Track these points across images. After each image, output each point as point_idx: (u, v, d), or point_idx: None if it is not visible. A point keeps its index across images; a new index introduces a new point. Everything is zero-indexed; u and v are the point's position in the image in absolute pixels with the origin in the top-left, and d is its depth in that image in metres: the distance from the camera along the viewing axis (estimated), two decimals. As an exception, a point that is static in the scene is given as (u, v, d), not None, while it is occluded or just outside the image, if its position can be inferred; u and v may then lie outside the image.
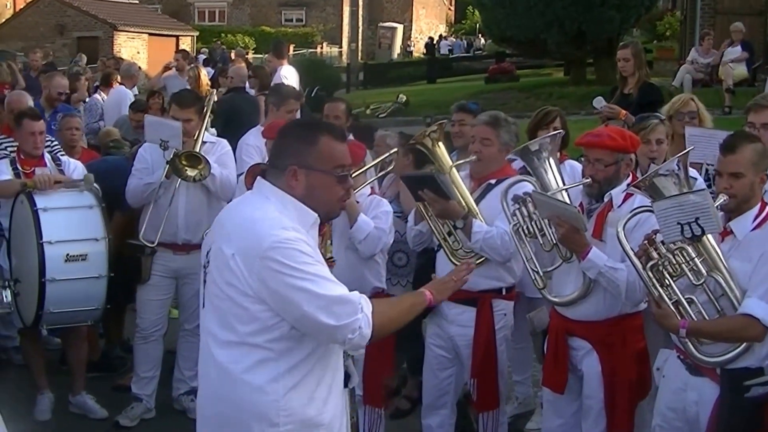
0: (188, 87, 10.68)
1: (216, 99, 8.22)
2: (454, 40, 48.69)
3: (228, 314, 3.12)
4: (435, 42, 49.58)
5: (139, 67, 12.49)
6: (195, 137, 6.00)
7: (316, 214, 3.21)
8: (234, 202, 3.59)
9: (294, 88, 7.81)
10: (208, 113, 6.33)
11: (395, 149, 5.84)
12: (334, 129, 3.29)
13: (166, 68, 13.48)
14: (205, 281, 3.28)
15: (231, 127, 8.12)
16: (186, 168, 5.89)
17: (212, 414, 3.25)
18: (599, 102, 7.34)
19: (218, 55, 24.91)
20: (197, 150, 5.94)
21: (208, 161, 5.91)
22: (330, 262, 3.40)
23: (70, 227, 5.77)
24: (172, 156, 5.85)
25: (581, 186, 4.65)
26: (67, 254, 5.70)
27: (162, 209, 5.99)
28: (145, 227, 6.03)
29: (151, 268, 6.09)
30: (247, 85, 10.61)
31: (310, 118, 3.56)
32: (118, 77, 11.66)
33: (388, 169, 5.91)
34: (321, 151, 3.15)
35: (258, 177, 3.27)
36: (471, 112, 6.10)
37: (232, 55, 19.73)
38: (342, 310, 3.08)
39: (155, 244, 6.02)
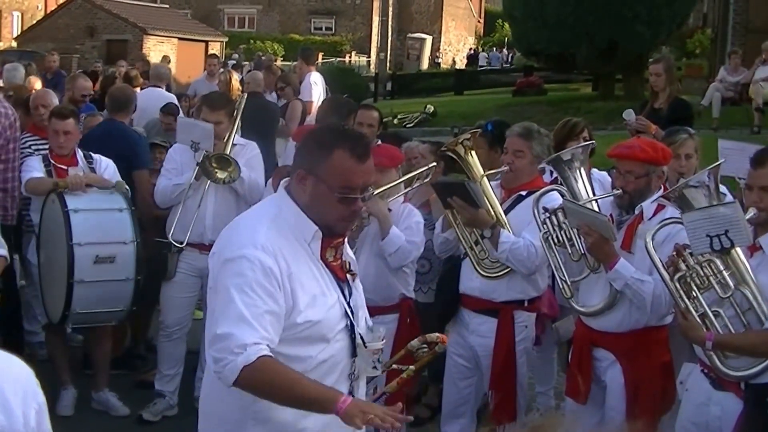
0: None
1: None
2: (497, 53, 48.62)
3: (210, 313, 3.14)
4: (476, 53, 49.70)
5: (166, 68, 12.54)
6: (225, 139, 6.07)
7: (317, 228, 3.08)
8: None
9: (351, 101, 7.84)
10: (239, 116, 6.38)
11: (434, 163, 5.79)
12: (355, 145, 3.03)
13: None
14: None
15: (246, 132, 8.15)
16: (216, 170, 5.96)
17: (202, 411, 3.35)
18: (629, 114, 7.34)
19: (254, 62, 24.96)
20: (227, 152, 6.00)
21: (237, 164, 5.97)
22: (352, 274, 3.28)
23: (99, 229, 5.85)
24: (202, 158, 5.92)
25: (611, 197, 4.66)
26: (96, 256, 5.78)
27: (191, 210, 6.06)
28: (174, 227, 6.10)
29: (177, 266, 6.16)
30: (268, 91, 10.74)
31: (340, 126, 3.53)
32: (140, 79, 11.73)
33: (425, 181, 5.74)
34: (332, 164, 3.00)
35: (282, 180, 3.27)
36: (483, 135, 5.99)
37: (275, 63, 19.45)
38: (221, 344, 2.93)
39: (184, 244, 6.09)
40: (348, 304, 3.18)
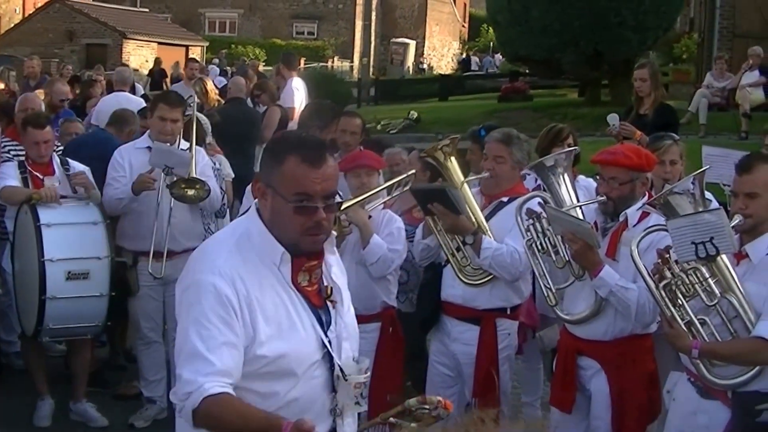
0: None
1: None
2: (490, 58, 48.68)
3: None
4: (468, 58, 49.71)
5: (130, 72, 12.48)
6: (191, 157, 6.01)
7: (283, 249, 2.87)
8: None
9: (335, 106, 7.84)
10: (194, 121, 6.33)
11: (413, 171, 5.79)
12: (308, 150, 2.85)
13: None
14: None
15: (226, 139, 8.15)
16: (185, 189, 5.95)
17: None
18: (613, 119, 7.35)
19: (239, 68, 24.85)
20: (194, 171, 5.96)
21: (206, 183, 5.97)
22: (332, 301, 3.03)
23: (72, 244, 5.80)
24: (172, 182, 5.91)
25: (595, 204, 4.68)
26: (69, 272, 5.73)
27: (148, 219, 6.05)
28: (128, 236, 6.14)
29: (138, 280, 6.16)
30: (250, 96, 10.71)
31: (295, 134, 3.44)
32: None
33: (405, 189, 5.66)
34: (284, 172, 2.83)
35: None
36: (478, 141, 6.04)
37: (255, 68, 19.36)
38: (177, 387, 2.82)
39: (140, 252, 6.10)
40: (326, 333, 2.94)
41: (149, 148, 6.09)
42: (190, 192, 5.97)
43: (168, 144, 6.05)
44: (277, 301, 2.87)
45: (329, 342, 2.94)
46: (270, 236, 2.88)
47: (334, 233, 5.20)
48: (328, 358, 2.94)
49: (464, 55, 52.10)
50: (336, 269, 3.10)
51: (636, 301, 4.39)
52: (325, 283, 3.02)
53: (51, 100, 8.88)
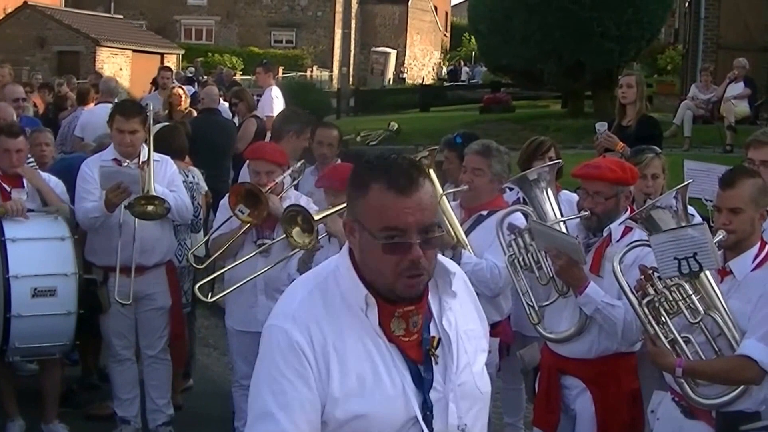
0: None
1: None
2: (481, 68, 48.93)
3: None
4: (456, 68, 49.82)
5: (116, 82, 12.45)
6: (142, 174, 5.89)
7: (366, 291, 2.49)
8: None
9: (309, 114, 7.82)
10: (151, 126, 6.26)
11: None
12: (393, 175, 2.44)
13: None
14: None
15: (199, 150, 8.07)
16: (146, 206, 5.88)
17: None
18: (602, 126, 7.36)
19: (216, 76, 24.73)
20: (151, 186, 5.87)
21: (165, 200, 5.89)
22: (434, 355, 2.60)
23: (39, 260, 5.75)
24: (129, 203, 5.85)
25: (577, 219, 4.68)
26: (35, 289, 5.68)
27: (114, 233, 6.00)
28: (96, 252, 6.09)
29: (108, 297, 6.11)
30: (226, 106, 10.68)
31: (377, 158, 2.59)
32: (93, 94, 11.66)
33: None
34: (368, 203, 2.45)
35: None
36: (455, 148, 6.05)
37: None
38: None
39: (109, 267, 6.05)
40: (426, 394, 2.51)
41: (116, 159, 6.05)
42: (150, 208, 5.90)
43: (113, 165, 5.96)
44: (360, 352, 2.48)
45: (429, 404, 2.50)
46: (354, 276, 2.52)
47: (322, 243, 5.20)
48: (423, 422, 2.49)
49: (451, 66, 52.18)
50: (453, 315, 2.63)
51: (623, 318, 4.38)
52: (432, 334, 2.57)
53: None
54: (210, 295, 6.00)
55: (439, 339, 2.56)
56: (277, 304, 2.62)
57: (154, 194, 5.86)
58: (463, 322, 2.64)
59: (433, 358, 2.53)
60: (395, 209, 2.41)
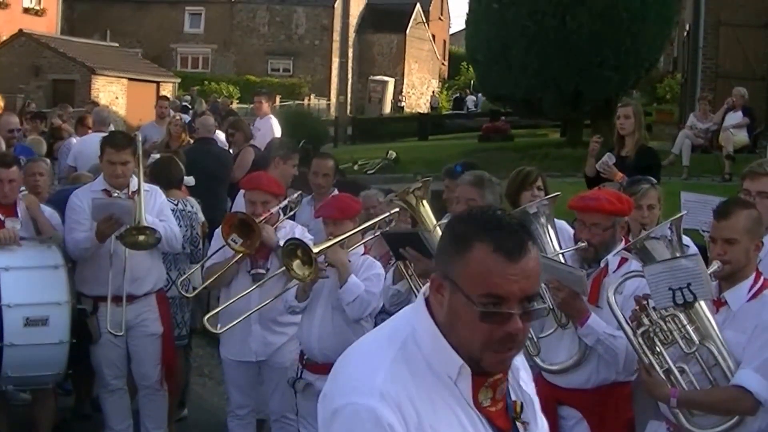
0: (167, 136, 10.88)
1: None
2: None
3: None
4: (462, 96, 49.93)
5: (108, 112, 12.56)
6: (134, 204, 5.97)
7: (462, 362, 2.26)
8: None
9: (295, 142, 7.95)
10: (141, 156, 6.34)
11: (396, 209, 5.84)
12: (503, 236, 2.23)
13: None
14: None
15: (195, 179, 8.11)
16: (137, 236, 5.95)
17: None
18: (610, 158, 7.43)
19: (210, 106, 24.75)
20: (143, 221, 5.95)
21: (155, 230, 5.95)
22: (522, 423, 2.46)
23: (32, 289, 5.80)
24: (122, 234, 5.91)
25: (573, 250, 4.73)
26: (27, 318, 5.72)
27: (105, 263, 6.05)
28: (86, 282, 6.13)
29: (99, 327, 6.14)
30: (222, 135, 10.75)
31: (484, 213, 2.31)
32: (90, 121, 11.77)
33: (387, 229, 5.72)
34: (469, 264, 2.22)
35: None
36: (455, 177, 6.09)
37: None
38: None
39: (99, 297, 6.09)
40: None
41: (105, 190, 6.11)
42: (141, 238, 5.96)
43: (104, 197, 6.04)
44: (453, 425, 2.26)
45: None
46: (445, 343, 2.27)
47: (326, 277, 5.24)
48: None
49: (456, 94, 52.27)
50: (524, 374, 2.49)
51: (624, 348, 4.40)
52: (513, 398, 2.41)
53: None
54: (219, 326, 6.02)
55: (522, 403, 2.40)
56: (346, 374, 2.31)
57: (146, 225, 5.92)
58: (528, 379, 2.51)
59: (521, 426, 2.39)
60: (501, 275, 2.20)
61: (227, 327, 5.82)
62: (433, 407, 2.24)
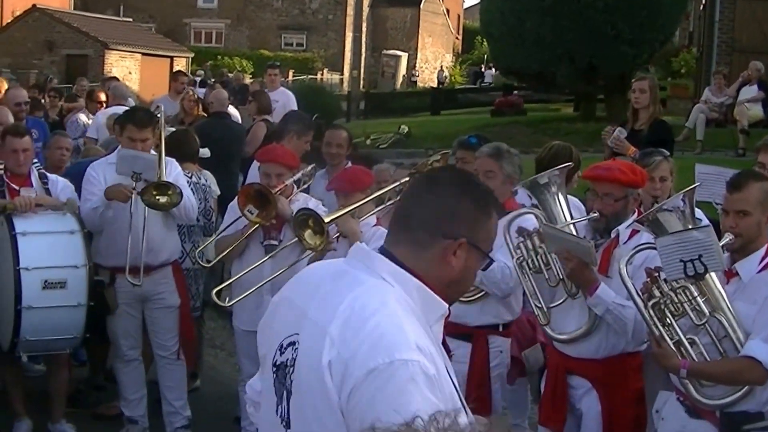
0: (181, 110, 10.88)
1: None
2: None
3: None
4: (481, 71, 49.68)
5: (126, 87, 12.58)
6: (158, 161, 6.06)
7: (447, 306, 2.55)
8: (326, 275, 2.60)
9: (313, 118, 7.96)
10: (163, 131, 6.38)
11: (407, 178, 5.85)
12: (498, 203, 2.75)
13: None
14: (287, 389, 2.50)
15: (211, 154, 8.16)
16: (157, 197, 5.98)
17: None
18: (622, 132, 7.41)
19: (223, 80, 24.69)
20: (164, 176, 6.01)
21: (176, 187, 6.01)
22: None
23: (49, 253, 5.84)
24: (143, 189, 5.93)
25: (585, 221, 4.75)
26: (45, 281, 5.76)
27: (121, 233, 6.09)
28: (103, 253, 6.16)
29: (116, 297, 6.20)
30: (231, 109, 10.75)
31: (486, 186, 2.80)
32: (101, 95, 11.77)
33: (395, 200, 5.86)
34: (489, 229, 2.60)
35: (359, 247, 2.65)
36: (471, 148, 6.10)
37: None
38: None
39: (117, 268, 6.14)
40: None
41: None
42: (162, 199, 5.99)
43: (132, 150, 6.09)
44: (444, 369, 2.44)
45: None
46: (430, 293, 2.49)
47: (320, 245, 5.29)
48: None
49: (475, 68, 51.93)
50: None
51: (633, 318, 4.43)
52: None
53: (8, 107, 8.85)
54: (228, 299, 6.06)
55: None
56: (376, 333, 2.34)
57: (167, 181, 5.98)
58: None
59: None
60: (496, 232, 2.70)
61: (239, 298, 5.86)
62: (439, 356, 2.43)
